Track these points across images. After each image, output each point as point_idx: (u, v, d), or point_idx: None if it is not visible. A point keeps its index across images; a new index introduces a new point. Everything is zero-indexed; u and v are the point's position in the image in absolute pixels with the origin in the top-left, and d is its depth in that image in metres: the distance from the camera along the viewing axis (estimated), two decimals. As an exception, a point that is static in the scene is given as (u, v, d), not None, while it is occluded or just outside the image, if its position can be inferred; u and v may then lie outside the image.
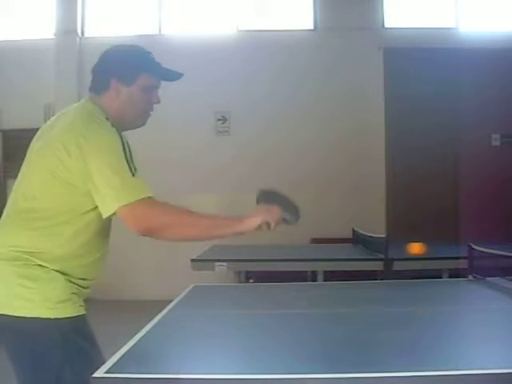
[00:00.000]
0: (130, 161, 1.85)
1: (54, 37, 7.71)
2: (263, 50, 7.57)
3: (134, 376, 1.54)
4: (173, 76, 2.08)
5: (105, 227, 2.00)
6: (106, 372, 1.56)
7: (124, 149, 1.86)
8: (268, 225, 1.95)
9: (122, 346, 1.81)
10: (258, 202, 2.03)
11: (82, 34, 7.83)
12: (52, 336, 1.85)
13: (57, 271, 1.89)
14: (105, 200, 1.83)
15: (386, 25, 7.76)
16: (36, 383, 1.89)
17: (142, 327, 2.09)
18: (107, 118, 1.93)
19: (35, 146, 2.08)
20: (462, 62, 7.19)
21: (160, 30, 7.87)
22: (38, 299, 1.85)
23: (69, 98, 7.47)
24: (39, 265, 1.87)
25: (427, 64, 7.20)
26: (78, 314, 1.93)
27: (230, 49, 7.58)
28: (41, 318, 1.84)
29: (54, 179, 1.89)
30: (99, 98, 2.01)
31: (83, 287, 1.99)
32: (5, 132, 7.70)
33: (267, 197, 2.06)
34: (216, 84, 7.44)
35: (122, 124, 1.99)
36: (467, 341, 1.99)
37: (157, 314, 2.34)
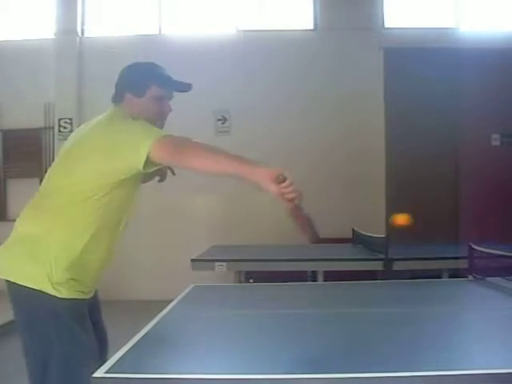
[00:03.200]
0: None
1: (54, 37, 7.71)
2: (263, 50, 7.57)
3: (134, 376, 1.54)
4: (182, 87, 2.29)
5: (113, 223, 2.15)
6: (106, 372, 1.56)
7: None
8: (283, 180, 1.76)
9: (122, 346, 1.81)
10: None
11: (82, 33, 7.82)
12: (46, 309, 2.04)
13: (60, 257, 2.05)
14: (137, 147, 1.97)
15: (386, 25, 7.75)
16: (31, 346, 2.08)
17: (142, 327, 2.09)
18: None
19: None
20: (461, 62, 7.18)
21: (160, 30, 7.87)
22: (39, 274, 2.04)
23: (69, 97, 7.49)
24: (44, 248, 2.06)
25: (427, 64, 7.19)
26: (75, 297, 2.07)
27: (230, 49, 7.58)
28: (38, 291, 2.03)
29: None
30: (119, 108, 2.23)
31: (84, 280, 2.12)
32: (5, 132, 7.70)
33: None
34: (216, 84, 7.44)
35: None
36: (467, 341, 1.99)
37: (157, 314, 2.34)
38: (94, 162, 2.04)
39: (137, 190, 2.22)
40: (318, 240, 2.08)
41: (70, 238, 2.07)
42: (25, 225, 2.14)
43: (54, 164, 2.23)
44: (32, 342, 2.08)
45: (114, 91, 2.28)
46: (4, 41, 7.75)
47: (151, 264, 7.43)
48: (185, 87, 2.29)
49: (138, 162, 1.97)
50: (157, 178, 2.49)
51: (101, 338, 2.23)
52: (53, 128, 7.52)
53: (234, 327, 2.24)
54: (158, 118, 2.24)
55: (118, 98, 2.25)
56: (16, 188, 7.41)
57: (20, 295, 2.08)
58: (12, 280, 2.07)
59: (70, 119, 7.43)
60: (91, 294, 2.20)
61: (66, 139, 2.35)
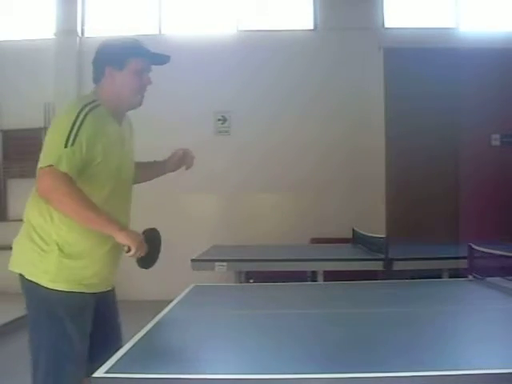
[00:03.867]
0: (74, 134, 2.05)
1: (54, 37, 7.71)
2: (263, 50, 7.57)
3: (134, 376, 1.54)
4: (161, 59, 2.31)
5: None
6: (106, 372, 1.56)
7: (74, 123, 2.06)
8: (128, 250, 2.10)
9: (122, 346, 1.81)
10: (143, 232, 2.22)
11: (82, 33, 7.83)
12: (41, 301, 2.11)
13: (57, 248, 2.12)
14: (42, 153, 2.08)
15: (386, 25, 7.75)
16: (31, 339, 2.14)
17: (142, 327, 2.09)
18: (92, 101, 2.16)
19: None
20: (461, 62, 7.18)
21: (160, 30, 7.87)
22: (36, 265, 2.12)
23: (69, 97, 7.48)
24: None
25: (427, 64, 7.19)
26: (72, 289, 2.12)
27: (230, 49, 7.58)
28: (34, 283, 2.11)
29: None
30: (99, 86, 2.26)
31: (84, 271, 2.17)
32: (5, 132, 7.70)
33: (151, 234, 2.29)
34: (216, 84, 7.44)
35: (120, 105, 2.27)
36: (467, 341, 1.98)
37: (157, 314, 2.34)
38: None
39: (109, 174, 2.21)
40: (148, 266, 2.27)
41: (68, 224, 2.11)
42: (26, 214, 2.20)
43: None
44: (31, 335, 2.13)
45: (92, 69, 2.29)
46: (4, 41, 7.75)
47: (151, 264, 7.42)
48: (163, 59, 2.31)
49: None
50: (184, 167, 2.61)
51: (111, 337, 2.25)
52: (53, 128, 7.52)
53: (234, 327, 2.24)
54: (137, 93, 2.26)
55: (98, 76, 2.26)
56: (16, 188, 7.41)
57: (24, 287, 2.15)
58: (18, 272, 2.16)
59: (70, 119, 7.42)
60: (97, 289, 2.22)
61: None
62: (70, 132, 2.05)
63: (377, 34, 7.57)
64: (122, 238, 2.09)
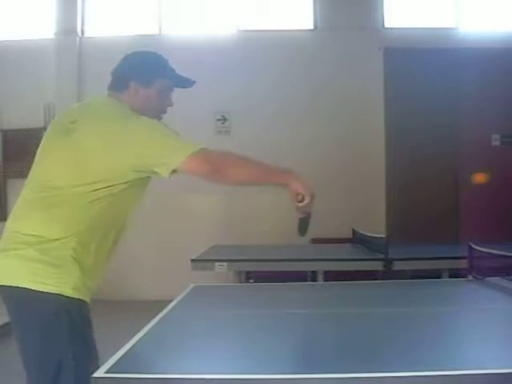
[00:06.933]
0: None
1: (53, 37, 7.71)
2: (263, 50, 7.57)
3: (134, 376, 1.54)
4: (186, 83, 2.27)
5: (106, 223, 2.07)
6: (106, 372, 1.56)
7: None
8: (301, 199, 2.04)
9: (121, 346, 1.81)
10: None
11: (82, 33, 7.83)
12: (56, 310, 1.95)
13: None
14: (167, 158, 1.96)
15: (386, 25, 7.76)
16: (39, 354, 1.98)
17: (142, 327, 2.09)
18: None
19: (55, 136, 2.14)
20: (462, 62, 7.18)
21: (160, 30, 7.87)
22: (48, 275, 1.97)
23: (69, 97, 7.48)
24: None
25: (427, 64, 7.19)
26: (80, 297, 2.00)
27: (230, 49, 7.58)
28: (45, 292, 1.95)
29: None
30: (118, 95, 2.16)
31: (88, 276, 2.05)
32: (5, 132, 7.70)
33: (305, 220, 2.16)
34: (216, 84, 7.44)
35: None
36: (467, 341, 1.98)
37: (157, 314, 2.34)
38: (113, 158, 1.96)
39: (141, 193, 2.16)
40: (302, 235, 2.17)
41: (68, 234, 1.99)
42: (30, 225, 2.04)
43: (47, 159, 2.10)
44: (40, 350, 1.98)
45: (112, 78, 2.21)
46: (4, 41, 7.75)
47: (151, 264, 7.43)
48: (188, 83, 2.26)
49: (161, 171, 1.96)
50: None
51: (92, 354, 2.09)
52: (53, 128, 7.52)
53: (234, 327, 2.24)
54: (158, 113, 2.21)
55: (119, 86, 2.17)
56: (16, 188, 7.34)
57: (23, 299, 1.98)
58: (14, 284, 1.98)
59: (69, 119, 7.43)
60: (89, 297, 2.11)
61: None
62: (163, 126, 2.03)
63: (377, 34, 7.57)
64: (299, 186, 2.04)
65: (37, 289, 1.95)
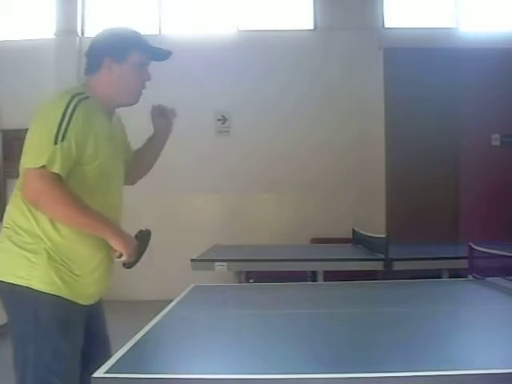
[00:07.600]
0: (63, 128, 1.93)
1: (54, 37, 7.70)
2: (263, 50, 7.57)
3: (134, 376, 1.54)
4: (162, 55, 2.19)
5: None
6: (106, 372, 1.56)
7: (64, 116, 1.94)
8: (119, 255, 2.05)
9: (121, 346, 1.81)
10: (136, 235, 2.14)
11: (82, 33, 7.82)
12: (29, 310, 1.96)
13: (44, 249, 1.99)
14: (26, 154, 2.02)
15: (386, 25, 7.75)
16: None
17: (142, 327, 2.09)
18: (81, 93, 2.03)
19: None
20: (462, 63, 7.18)
21: (160, 30, 7.87)
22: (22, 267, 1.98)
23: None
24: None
25: (427, 64, 7.20)
26: (55, 293, 1.97)
27: (231, 49, 7.57)
28: (28, 287, 1.96)
29: None
30: (92, 78, 2.13)
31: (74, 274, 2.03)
32: (5, 132, 7.69)
33: (142, 236, 2.17)
34: (216, 84, 7.44)
35: (113, 100, 2.14)
36: (467, 341, 1.98)
37: (157, 314, 2.34)
38: None
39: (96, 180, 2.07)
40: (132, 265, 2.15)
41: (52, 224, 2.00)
42: (11, 217, 2.10)
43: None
44: (17, 351, 2.00)
45: (86, 60, 2.15)
46: (4, 41, 7.75)
47: (151, 264, 7.41)
48: (164, 55, 2.18)
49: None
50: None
51: (101, 351, 2.11)
52: (52, 128, 7.52)
53: (234, 327, 2.24)
54: (134, 89, 2.15)
55: (93, 67, 2.12)
56: (16, 188, 7.40)
57: (9, 297, 2.00)
58: (7, 281, 1.99)
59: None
60: (88, 302, 2.10)
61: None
62: (60, 126, 1.91)
63: (377, 34, 7.57)
64: (116, 244, 2.01)
65: (7, 281, 1.98)
